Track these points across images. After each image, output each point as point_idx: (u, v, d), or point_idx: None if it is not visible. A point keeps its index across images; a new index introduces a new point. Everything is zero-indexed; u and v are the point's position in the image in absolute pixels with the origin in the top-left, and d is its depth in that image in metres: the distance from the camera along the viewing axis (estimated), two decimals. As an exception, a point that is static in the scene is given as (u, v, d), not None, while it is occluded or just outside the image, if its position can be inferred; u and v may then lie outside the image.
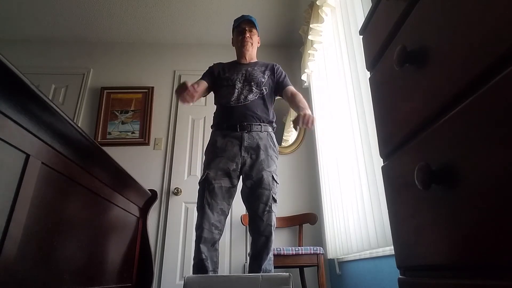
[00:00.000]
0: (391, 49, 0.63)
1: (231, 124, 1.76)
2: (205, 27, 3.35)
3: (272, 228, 1.63)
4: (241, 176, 1.74)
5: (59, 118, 1.11)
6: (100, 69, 3.41)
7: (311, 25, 2.62)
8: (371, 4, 0.81)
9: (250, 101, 1.80)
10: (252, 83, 1.84)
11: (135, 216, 2.15)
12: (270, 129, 1.82)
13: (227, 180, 1.68)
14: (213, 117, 1.92)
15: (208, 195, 1.63)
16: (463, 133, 0.42)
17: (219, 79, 1.91)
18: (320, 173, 2.71)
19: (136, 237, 2.15)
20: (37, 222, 1.07)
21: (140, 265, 2.15)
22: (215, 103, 1.96)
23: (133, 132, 3.16)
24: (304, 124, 1.58)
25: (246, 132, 1.73)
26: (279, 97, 1.99)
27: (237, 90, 1.82)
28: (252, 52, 1.98)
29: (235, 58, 2.05)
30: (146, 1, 3.02)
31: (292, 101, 1.84)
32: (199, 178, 1.74)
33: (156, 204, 2.68)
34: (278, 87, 1.93)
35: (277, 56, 3.43)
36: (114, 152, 1.74)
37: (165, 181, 2.97)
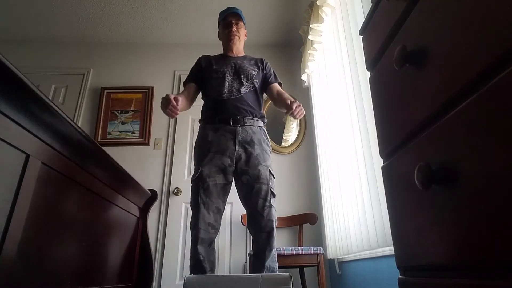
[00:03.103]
0: (391, 49, 0.63)
1: (223, 117, 1.69)
2: (205, 27, 3.35)
3: (274, 223, 1.58)
4: (236, 172, 1.67)
5: (59, 118, 1.11)
6: (100, 69, 3.41)
7: (311, 25, 2.62)
8: (371, 4, 0.81)
9: (243, 93, 1.75)
10: (242, 76, 1.79)
11: (135, 216, 2.15)
12: (262, 123, 1.78)
13: (222, 177, 1.61)
14: (202, 111, 1.84)
15: (203, 194, 1.57)
16: (463, 133, 0.42)
17: (208, 71, 1.85)
18: (320, 173, 2.71)
19: (136, 237, 2.15)
20: (37, 222, 1.07)
21: (140, 265, 2.15)
22: (202, 97, 1.89)
23: (133, 132, 3.16)
24: (297, 113, 1.56)
25: (239, 126, 1.68)
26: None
27: (227, 83, 1.76)
28: (240, 45, 1.93)
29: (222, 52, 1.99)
30: (146, 1, 3.02)
31: (279, 99, 1.78)
32: (192, 175, 1.67)
33: (156, 204, 2.68)
34: (265, 83, 1.88)
35: (277, 56, 3.43)
36: (114, 152, 1.74)
37: (165, 181, 2.97)
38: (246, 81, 1.79)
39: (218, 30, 2.02)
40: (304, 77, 3.06)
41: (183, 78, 3.33)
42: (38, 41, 3.46)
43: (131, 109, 3.25)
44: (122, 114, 3.23)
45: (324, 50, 2.62)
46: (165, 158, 3.06)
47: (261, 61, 1.93)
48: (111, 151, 1.70)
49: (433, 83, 0.49)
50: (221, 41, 2.01)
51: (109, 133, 3.15)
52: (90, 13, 3.15)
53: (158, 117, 3.23)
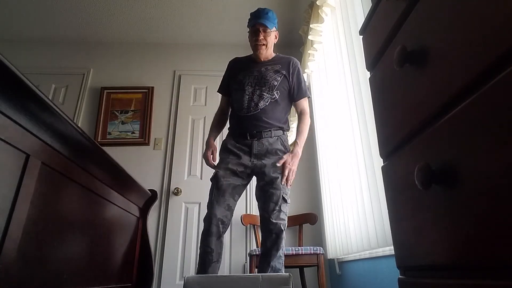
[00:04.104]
0: (391, 49, 0.63)
1: (241, 132, 1.80)
2: (205, 27, 3.35)
3: (282, 226, 1.66)
4: (253, 177, 1.80)
5: (59, 118, 1.11)
6: (100, 69, 3.41)
7: (311, 25, 2.62)
8: (371, 4, 0.81)
9: (261, 109, 1.79)
10: (264, 88, 1.82)
11: (135, 216, 2.15)
12: (280, 132, 1.82)
13: (235, 178, 1.73)
14: (229, 119, 1.95)
15: (216, 192, 1.70)
16: (463, 133, 0.42)
17: (232, 81, 1.93)
18: (320, 173, 2.71)
19: (136, 237, 2.15)
20: (37, 222, 1.07)
21: (140, 265, 2.15)
22: (230, 103, 1.98)
23: (133, 132, 3.16)
24: (284, 179, 1.70)
25: (256, 140, 1.76)
26: None
27: (247, 96, 1.81)
28: (267, 52, 1.92)
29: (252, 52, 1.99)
30: (146, 1, 3.02)
31: (297, 124, 1.91)
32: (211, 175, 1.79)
33: (156, 204, 2.68)
34: (291, 95, 1.90)
35: (277, 56, 3.43)
36: (114, 152, 1.74)
37: (165, 181, 2.97)
38: (267, 93, 1.82)
39: (248, 29, 1.98)
40: (304, 77, 3.06)
41: (183, 78, 3.38)
42: (38, 41, 3.46)
43: (131, 109, 3.25)
44: (122, 114, 3.23)
45: (324, 50, 2.62)
46: (165, 158, 3.06)
47: (288, 66, 1.90)
48: (111, 151, 1.70)
49: (433, 83, 0.49)
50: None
51: (109, 133, 3.15)
52: (90, 13, 3.15)
53: (158, 117, 3.24)
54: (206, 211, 1.71)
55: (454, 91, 0.44)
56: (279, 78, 1.86)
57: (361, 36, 0.81)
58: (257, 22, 1.87)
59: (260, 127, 1.77)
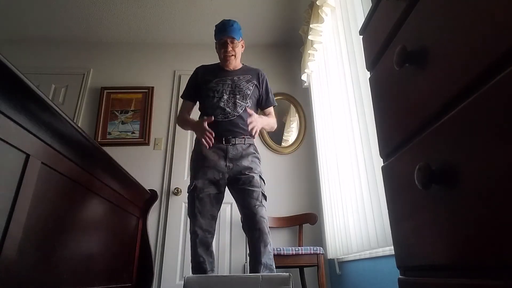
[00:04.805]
0: (391, 49, 0.63)
1: (216, 136, 1.81)
2: (205, 27, 3.34)
3: (265, 220, 1.70)
4: (229, 181, 1.82)
5: (59, 118, 1.11)
6: (100, 69, 3.41)
7: (311, 25, 2.62)
8: (371, 4, 0.81)
9: (236, 116, 1.85)
10: (238, 96, 1.89)
11: (135, 216, 2.15)
12: (252, 140, 1.91)
13: (214, 188, 1.78)
14: None
15: (198, 204, 1.74)
16: (463, 133, 0.42)
17: (204, 88, 1.94)
18: (320, 173, 2.71)
19: (136, 237, 2.15)
20: (37, 222, 1.07)
21: (140, 265, 2.15)
22: (199, 109, 2.00)
23: (133, 132, 3.15)
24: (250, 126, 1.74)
25: (231, 145, 1.82)
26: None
27: (222, 103, 1.86)
28: (236, 62, 2.00)
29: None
30: (146, 1, 3.02)
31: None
32: (187, 187, 1.82)
33: (156, 204, 2.68)
34: (259, 104, 2.01)
35: (277, 56, 3.44)
36: (114, 152, 1.74)
37: (165, 181, 2.96)
38: (241, 101, 1.90)
39: (215, 41, 2.02)
40: (304, 77, 3.06)
41: (183, 78, 3.37)
42: (38, 41, 3.46)
43: (131, 109, 3.25)
44: (122, 114, 3.23)
45: (324, 50, 2.61)
46: (165, 158, 3.06)
47: (258, 76, 2.00)
48: (111, 151, 1.70)
49: (433, 83, 0.49)
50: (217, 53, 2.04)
51: (109, 133, 3.15)
52: (90, 13, 3.15)
53: (158, 117, 3.24)
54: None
55: (454, 91, 0.44)
56: (251, 87, 1.95)
57: (361, 36, 0.81)
58: (224, 35, 1.94)
59: (236, 133, 1.84)
